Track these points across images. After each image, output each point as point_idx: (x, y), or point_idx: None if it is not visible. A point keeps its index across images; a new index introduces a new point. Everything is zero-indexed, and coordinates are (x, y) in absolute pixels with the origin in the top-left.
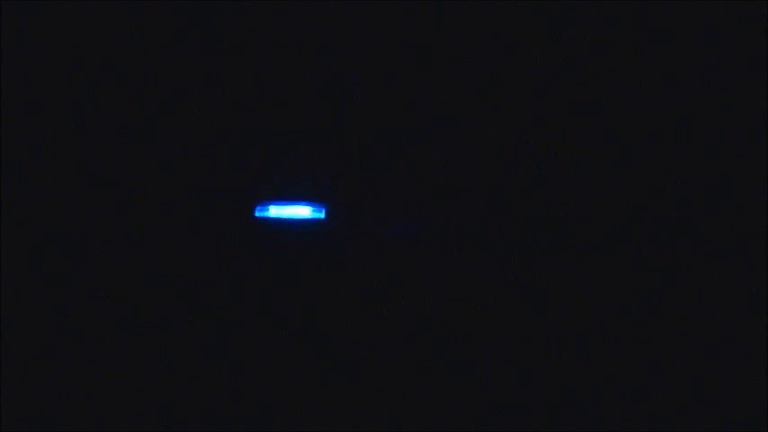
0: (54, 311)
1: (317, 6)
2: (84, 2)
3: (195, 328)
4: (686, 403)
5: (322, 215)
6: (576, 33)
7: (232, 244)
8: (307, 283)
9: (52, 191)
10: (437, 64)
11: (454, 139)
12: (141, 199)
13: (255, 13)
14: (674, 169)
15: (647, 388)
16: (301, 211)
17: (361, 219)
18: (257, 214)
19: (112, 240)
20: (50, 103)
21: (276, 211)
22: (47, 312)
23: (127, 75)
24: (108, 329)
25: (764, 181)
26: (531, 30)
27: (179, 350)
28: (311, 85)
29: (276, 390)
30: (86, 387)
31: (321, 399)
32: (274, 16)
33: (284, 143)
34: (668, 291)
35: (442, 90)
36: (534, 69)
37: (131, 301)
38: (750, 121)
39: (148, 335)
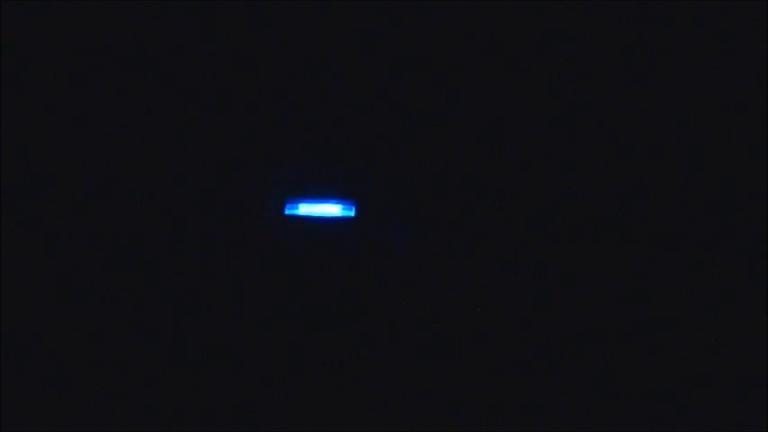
0: (76, 312)
1: (349, 5)
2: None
3: (224, 325)
4: (686, 403)
5: (352, 213)
6: (581, 33)
7: (262, 241)
8: (336, 281)
9: (75, 190)
10: (466, 61)
11: (485, 138)
12: (172, 197)
13: (285, 13)
14: (675, 169)
15: (646, 388)
16: (331, 209)
17: (391, 217)
18: (287, 212)
19: (142, 238)
20: (77, 103)
21: (306, 208)
22: (64, 312)
23: (159, 74)
24: (134, 327)
25: (765, 181)
26: (554, 30)
27: (207, 347)
28: (344, 84)
29: (304, 386)
30: (100, 387)
31: (350, 395)
32: (304, 16)
33: (315, 141)
34: (668, 291)
35: (473, 87)
36: (561, 70)
37: (160, 299)
38: (750, 122)
39: (177, 332)
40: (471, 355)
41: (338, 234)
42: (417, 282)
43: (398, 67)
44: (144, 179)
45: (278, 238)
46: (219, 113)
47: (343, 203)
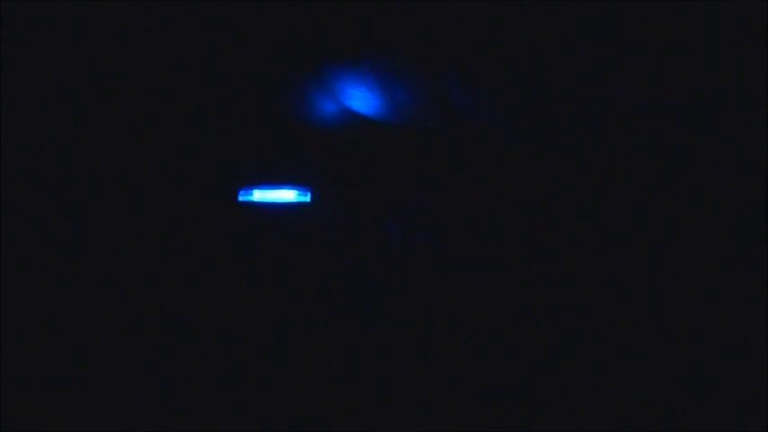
0: (43, 300)
1: None
2: None
3: (180, 315)
4: (686, 403)
5: (307, 199)
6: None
7: (216, 229)
8: (292, 268)
9: (43, 183)
10: (425, 47)
11: (441, 124)
12: (125, 186)
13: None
14: (675, 170)
15: (646, 388)
16: (286, 195)
17: (347, 202)
18: (241, 198)
19: (99, 228)
20: (37, 97)
21: (260, 195)
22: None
23: (114, 64)
24: (96, 317)
25: (765, 181)
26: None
27: (165, 336)
28: (297, 70)
29: (261, 366)
30: (77, 376)
31: (305, 376)
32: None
33: (269, 127)
34: (669, 291)
35: (429, 73)
36: (525, 66)
37: (117, 289)
38: (750, 122)
39: (135, 321)
40: (430, 341)
41: (294, 220)
42: (374, 267)
43: (351, 54)
44: (96, 169)
45: (232, 226)
46: (174, 102)
47: (298, 189)
